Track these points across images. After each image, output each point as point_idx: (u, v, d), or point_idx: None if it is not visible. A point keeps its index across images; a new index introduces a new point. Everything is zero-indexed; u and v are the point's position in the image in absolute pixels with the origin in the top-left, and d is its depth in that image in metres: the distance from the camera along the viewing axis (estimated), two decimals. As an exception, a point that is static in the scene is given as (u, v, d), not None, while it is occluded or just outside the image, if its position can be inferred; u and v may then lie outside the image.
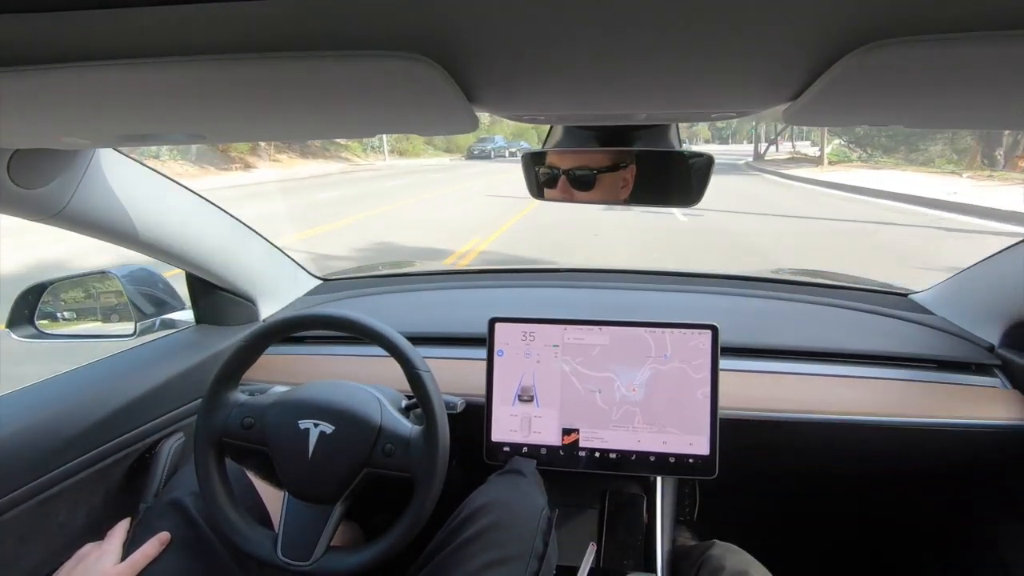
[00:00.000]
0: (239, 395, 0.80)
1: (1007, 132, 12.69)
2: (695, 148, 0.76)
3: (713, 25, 0.30)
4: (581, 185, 0.75)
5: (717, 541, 0.91)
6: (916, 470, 1.10)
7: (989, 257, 1.03)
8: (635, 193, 0.75)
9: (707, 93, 0.45)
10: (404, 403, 0.85)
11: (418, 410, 0.81)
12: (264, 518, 0.86)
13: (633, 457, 0.93)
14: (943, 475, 1.12)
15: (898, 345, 1.03)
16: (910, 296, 1.19)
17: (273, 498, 0.87)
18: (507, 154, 26.27)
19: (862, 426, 0.94)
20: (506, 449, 0.96)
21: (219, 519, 0.75)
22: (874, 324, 1.11)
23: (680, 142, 0.75)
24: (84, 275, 1.06)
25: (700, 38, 0.32)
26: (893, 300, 1.18)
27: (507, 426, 0.96)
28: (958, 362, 1.00)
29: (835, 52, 0.32)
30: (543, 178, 0.78)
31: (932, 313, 1.12)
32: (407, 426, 0.76)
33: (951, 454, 0.99)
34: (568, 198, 0.78)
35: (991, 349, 1.00)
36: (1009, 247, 0.98)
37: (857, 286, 1.26)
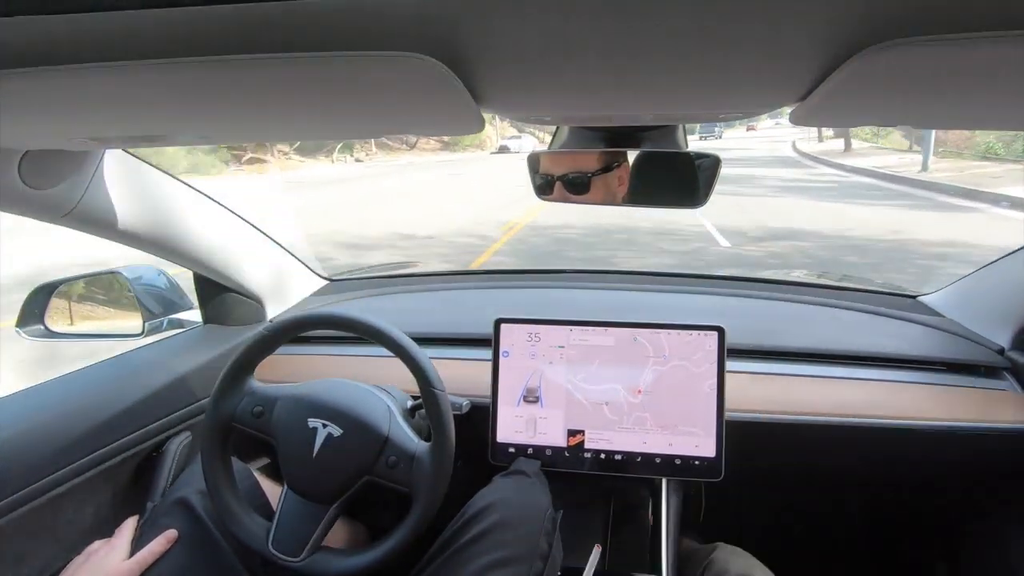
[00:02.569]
0: (253, 383, 0.81)
1: None
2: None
3: (722, 26, 0.30)
4: (576, 189, 0.75)
5: (722, 544, 0.90)
6: (925, 473, 1.10)
7: (999, 259, 1.02)
8: (640, 194, 0.75)
9: (715, 94, 0.45)
10: (410, 403, 0.85)
11: (423, 410, 0.81)
12: (269, 516, 0.86)
13: (639, 459, 0.92)
14: (952, 478, 1.11)
15: (907, 347, 1.02)
16: (919, 298, 1.18)
17: (276, 497, 0.87)
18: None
19: (870, 429, 0.93)
20: (511, 450, 0.96)
21: (217, 503, 0.76)
22: (882, 326, 1.10)
23: (687, 143, 0.74)
24: (93, 275, 1.07)
25: (709, 39, 0.31)
26: (901, 302, 1.17)
27: (512, 427, 0.96)
28: (967, 364, 0.99)
29: (844, 53, 0.32)
30: (539, 182, 0.78)
31: (941, 315, 1.11)
32: (414, 441, 0.76)
33: (960, 457, 0.98)
34: (566, 200, 0.78)
35: (1001, 352, 0.99)
36: (1019, 249, 0.97)
37: (865, 287, 1.25)
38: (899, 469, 1.07)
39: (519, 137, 25.48)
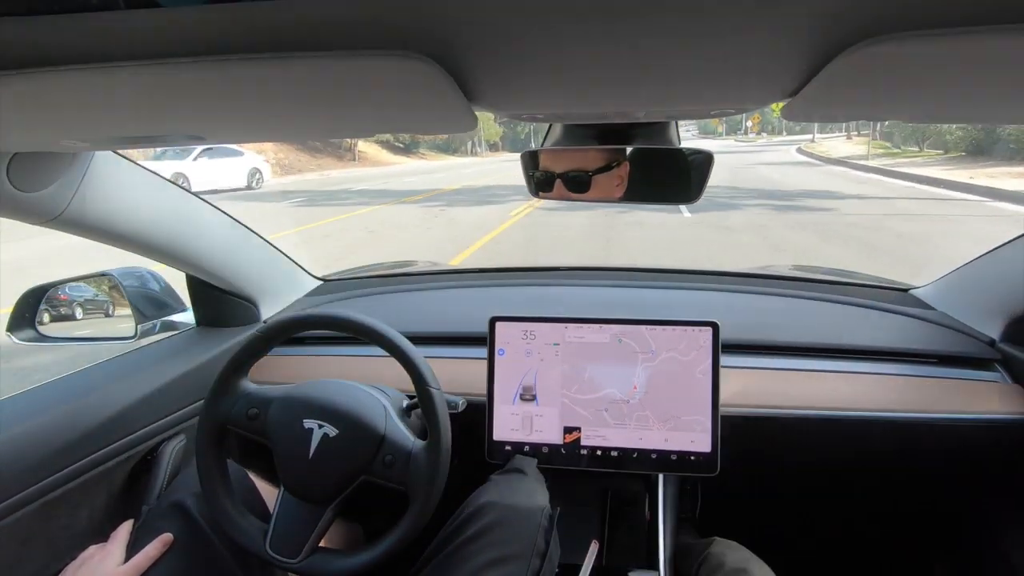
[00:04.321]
0: (247, 384, 0.80)
1: None
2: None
3: (712, 22, 0.30)
4: (576, 187, 0.75)
5: (718, 538, 0.91)
6: (917, 465, 1.11)
7: (990, 251, 1.03)
8: (633, 191, 0.75)
9: (707, 90, 0.45)
10: (405, 403, 0.85)
11: (418, 410, 0.81)
12: (265, 519, 0.86)
13: (635, 455, 0.93)
14: (944, 470, 1.12)
15: (899, 340, 1.03)
16: (910, 291, 1.19)
17: (272, 499, 0.87)
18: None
19: (863, 422, 0.94)
20: (507, 448, 0.96)
21: (213, 507, 0.76)
22: (875, 319, 1.11)
23: (679, 139, 0.75)
24: (83, 277, 1.06)
25: (700, 35, 0.31)
26: (894, 295, 1.18)
27: (508, 425, 0.96)
28: (959, 357, 1.00)
29: (834, 48, 0.32)
30: (538, 179, 0.78)
31: (933, 308, 1.12)
32: (410, 439, 0.76)
33: (952, 449, 0.99)
34: (564, 198, 0.78)
35: (992, 344, 1.00)
36: (1010, 241, 0.98)
37: (857, 282, 1.26)
38: (892, 461, 1.07)
39: (209, 148, 10.60)
